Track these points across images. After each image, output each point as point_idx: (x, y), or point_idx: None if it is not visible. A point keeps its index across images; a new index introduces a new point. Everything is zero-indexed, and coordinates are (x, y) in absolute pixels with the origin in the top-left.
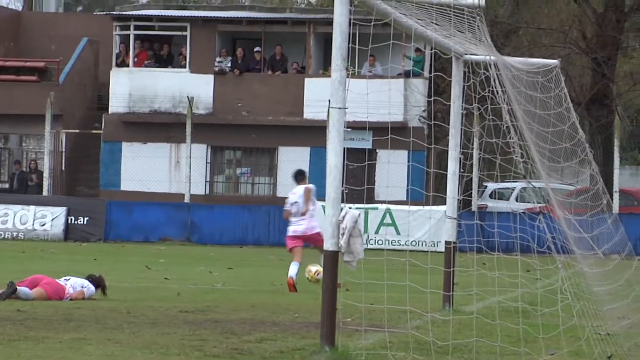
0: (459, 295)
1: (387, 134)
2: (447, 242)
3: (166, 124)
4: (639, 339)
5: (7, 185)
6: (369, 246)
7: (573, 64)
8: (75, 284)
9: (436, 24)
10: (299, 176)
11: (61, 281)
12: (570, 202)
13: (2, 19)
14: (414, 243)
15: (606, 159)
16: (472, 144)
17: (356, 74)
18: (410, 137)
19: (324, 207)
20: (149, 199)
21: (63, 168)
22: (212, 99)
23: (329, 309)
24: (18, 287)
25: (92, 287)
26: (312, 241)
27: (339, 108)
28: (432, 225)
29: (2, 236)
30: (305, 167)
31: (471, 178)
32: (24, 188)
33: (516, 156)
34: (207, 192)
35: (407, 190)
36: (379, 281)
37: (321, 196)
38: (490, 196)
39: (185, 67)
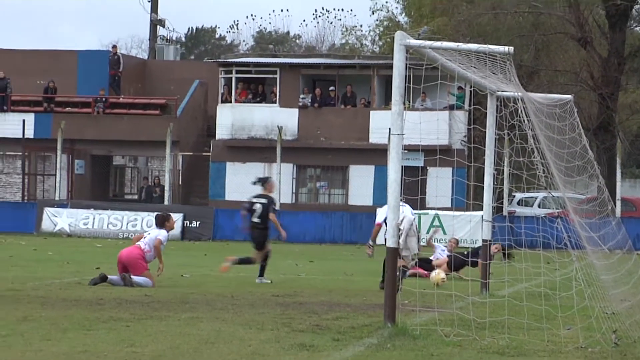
0: (494, 282)
1: (436, 154)
2: (484, 240)
3: (261, 147)
4: (638, 317)
5: (136, 197)
6: (422, 243)
7: (583, 99)
8: (149, 240)
9: (474, 67)
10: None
11: (140, 244)
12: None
13: (133, 66)
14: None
15: (610, 174)
16: (504, 162)
17: (411, 107)
18: (455, 157)
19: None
20: None
21: (180, 183)
22: (297, 127)
23: (391, 293)
24: (109, 277)
25: (162, 232)
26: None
27: (398, 134)
28: (471, 227)
29: (133, 237)
30: (371, 182)
31: (502, 189)
32: (149, 199)
33: (539, 172)
34: (294, 201)
35: (452, 199)
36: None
37: (384, 202)
38: (518, 203)
39: (275, 103)
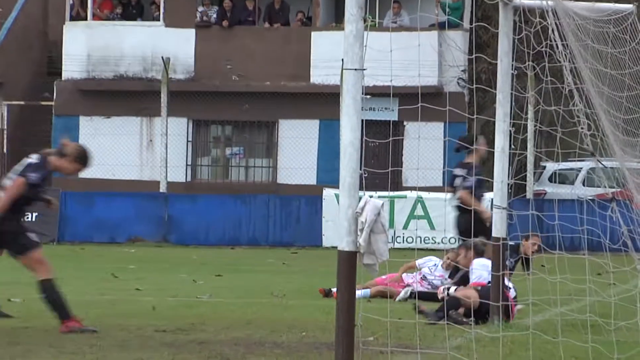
0: (512, 305)
1: (417, 102)
2: (494, 239)
3: (135, 92)
4: None
5: None
6: (396, 245)
7: None
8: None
9: None
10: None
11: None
12: None
13: None
14: (452, 240)
15: None
16: (526, 114)
17: (377, 25)
18: (447, 105)
19: (337, 196)
20: (115, 189)
21: (4, 150)
22: (193, 59)
23: (345, 326)
24: None
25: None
26: None
27: (355, 69)
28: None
29: None
30: (314, 147)
31: (525, 157)
32: None
33: (582, 128)
34: (189, 178)
35: (444, 173)
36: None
37: (333, 182)
38: (550, 180)
39: (158, 20)
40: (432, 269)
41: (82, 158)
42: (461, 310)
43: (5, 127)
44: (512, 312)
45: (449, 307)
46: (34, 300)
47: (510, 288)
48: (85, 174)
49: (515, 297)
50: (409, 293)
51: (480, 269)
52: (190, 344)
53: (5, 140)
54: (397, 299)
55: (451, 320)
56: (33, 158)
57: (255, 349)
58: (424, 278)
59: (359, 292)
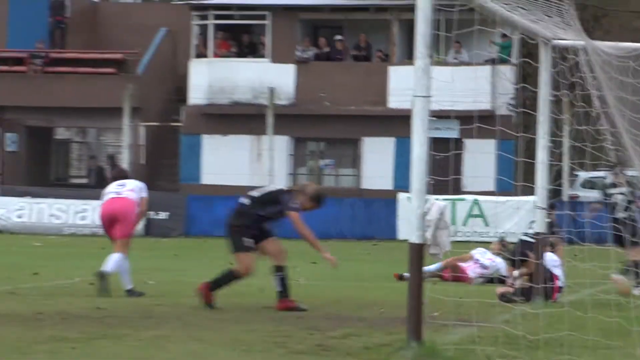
0: (550, 287)
1: (474, 122)
2: (536, 234)
3: (247, 115)
4: None
5: (86, 180)
6: (457, 238)
7: None
8: (137, 188)
9: (523, 8)
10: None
11: (127, 195)
12: None
13: (79, 11)
14: (502, 235)
15: None
16: (562, 132)
17: (441, 61)
18: (498, 125)
19: (409, 199)
20: (230, 193)
21: (142, 162)
22: (294, 89)
23: (415, 303)
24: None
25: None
26: None
27: (423, 96)
28: (520, 217)
29: (82, 232)
30: (390, 159)
31: (561, 167)
32: (101, 183)
33: (607, 144)
34: (290, 184)
35: (495, 180)
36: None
37: (406, 187)
38: (582, 186)
39: (265, 57)
40: (483, 254)
41: (319, 199)
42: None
43: (143, 143)
44: (553, 296)
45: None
46: (165, 282)
47: (559, 278)
48: (206, 180)
49: (561, 288)
50: (480, 281)
51: (553, 263)
52: (290, 318)
53: (142, 156)
54: (472, 284)
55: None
56: (284, 192)
57: (343, 322)
58: (476, 261)
59: (431, 266)
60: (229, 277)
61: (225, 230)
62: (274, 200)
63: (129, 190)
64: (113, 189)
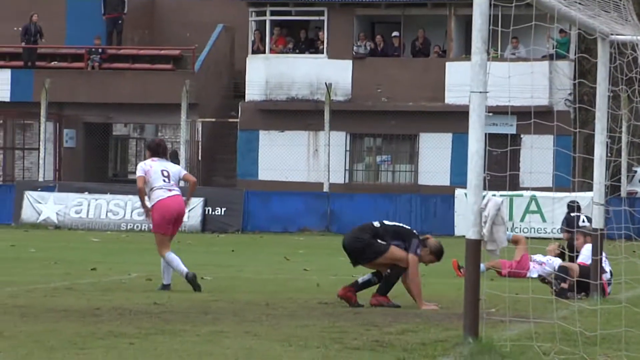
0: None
1: (531, 118)
2: (594, 230)
3: (304, 111)
4: None
5: None
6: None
7: None
8: (173, 175)
9: (580, 3)
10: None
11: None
12: None
13: (136, 7)
14: (560, 230)
15: None
16: (620, 127)
17: (498, 56)
18: (555, 121)
19: (466, 195)
20: (287, 189)
21: (199, 158)
22: (350, 85)
23: (472, 299)
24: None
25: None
26: None
27: (480, 92)
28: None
29: (139, 228)
30: (448, 155)
31: (619, 162)
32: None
33: None
34: (347, 180)
35: (553, 176)
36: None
37: (463, 183)
38: None
39: (323, 53)
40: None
41: (438, 253)
42: (565, 285)
43: (200, 139)
44: (605, 290)
45: (559, 273)
46: (222, 278)
47: (606, 271)
48: (263, 176)
49: (609, 280)
50: (536, 274)
51: (587, 253)
52: (347, 314)
53: (200, 151)
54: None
55: (560, 295)
56: (415, 240)
57: (400, 318)
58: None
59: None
60: (396, 276)
61: (351, 244)
62: (403, 237)
63: (176, 185)
64: (160, 181)
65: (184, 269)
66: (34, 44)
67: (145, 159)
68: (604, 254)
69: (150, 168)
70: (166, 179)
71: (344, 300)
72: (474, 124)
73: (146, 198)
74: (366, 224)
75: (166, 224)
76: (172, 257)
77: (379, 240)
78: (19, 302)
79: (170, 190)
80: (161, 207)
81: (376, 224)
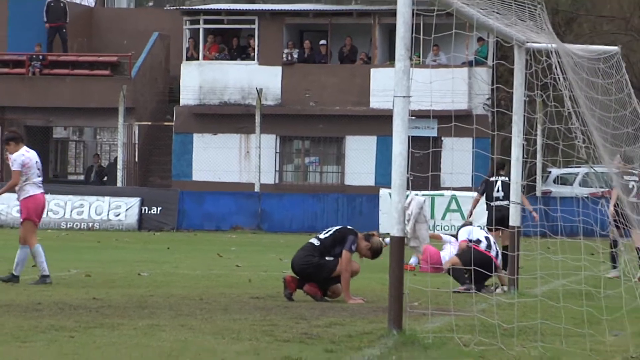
0: (524, 278)
1: (452, 121)
2: (511, 227)
3: (236, 115)
4: None
5: (82, 177)
6: (436, 232)
7: (634, 51)
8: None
9: (498, 12)
10: None
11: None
12: (632, 185)
13: (75, 15)
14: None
15: None
16: (535, 130)
17: (420, 63)
18: (474, 124)
19: (390, 194)
20: (220, 189)
21: (136, 160)
22: (280, 90)
23: (396, 294)
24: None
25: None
26: None
27: (403, 97)
28: None
29: (78, 226)
30: (372, 156)
31: (535, 164)
32: (99, 182)
33: (578, 141)
34: (277, 181)
35: (472, 176)
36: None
37: (387, 183)
38: (554, 181)
39: (254, 60)
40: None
41: (375, 253)
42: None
43: (137, 142)
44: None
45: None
46: (158, 274)
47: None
48: (197, 177)
49: (496, 255)
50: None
51: (462, 233)
52: (277, 308)
53: (136, 152)
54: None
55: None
56: (350, 237)
57: (327, 312)
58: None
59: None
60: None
61: (304, 270)
62: (341, 241)
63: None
64: (36, 177)
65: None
66: None
67: (12, 150)
68: (491, 239)
69: (30, 161)
70: (40, 173)
71: (309, 296)
72: (398, 127)
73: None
74: (307, 246)
75: (38, 217)
76: (41, 250)
77: (326, 258)
78: None
79: (41, 186)
80: (37, 200)
81: (315, 242)
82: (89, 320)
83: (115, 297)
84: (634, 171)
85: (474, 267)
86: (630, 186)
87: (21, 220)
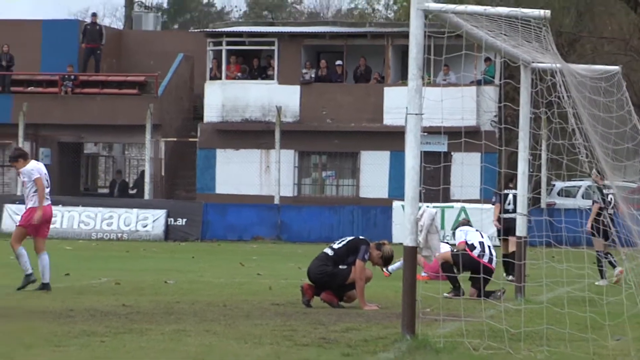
0: (530, 286)
1: (461, 137)
2: (518, 237)
3: (257, 131)
4: None
5: (107, 191)
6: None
7: (634, 70)
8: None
9: (505, 34)
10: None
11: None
12: (633, 198)
13: (106, 38)
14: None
15: None
16: (540, 146)
17: (432, 82)
18: (483, 140)
19: (403, 206)
20: (242, 201)
21: (163, 174)
22: (298, 108)
23: (409, 300)
24: None
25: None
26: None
27: (416, 114)
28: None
29: (108, 237)
30: (386, 170)
31: (540, 177)
32: (121, 195)
33: (581, 156)
34: (295, 194)
35: (481, 189)
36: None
37: (400, 196)
38: (558, 194)
39: (273, 79)
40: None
41: (387, 260)
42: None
43: (163, 157)
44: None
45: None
46: (184, 282)
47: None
48: (220, 190)
49: (489, 260)
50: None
51: (459, 234)
52: (297, 314)
53: (163, 167)
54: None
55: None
56: (362, 246)
57: (344, 317)
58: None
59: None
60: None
61: (320, 279)
62: (354, 250)
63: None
64: (46, 189)
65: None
66: (7, 70)
67: (22, 165)
68: (486, 245)
69: (45, 174)
70: (48, 184)
71: (326, 303)
72: (411, 143)
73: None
74: (322, 255)
75: (37, 225)
76: (24, 252)
77: (340, 267)
78: None
79: (48, 198)
80: (43, 211)
81: (329, 252)
82: (118, 326)
83: (143, 304)
84: (609, 184)
85: (464, 271)
86: (609, 199)
87: (17, 224)
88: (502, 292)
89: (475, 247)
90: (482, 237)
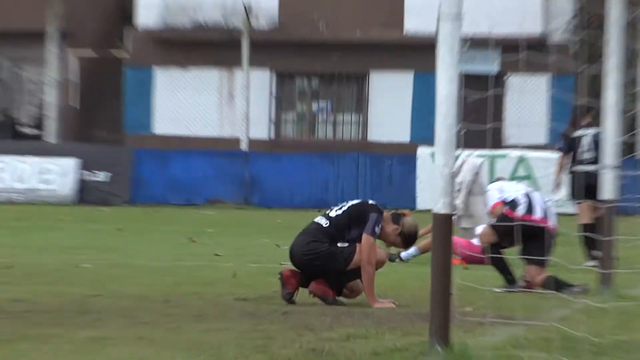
0: (621, 274)
1: (520, 52)
2: (604, 202)
3: (215, 42)
4: None
5: None
6: None
7: None
8: None
9: None
10: None
11: None
12: None
13: None
14: (558, 203)
15: None
16: (638, 65)
17: None
18: (552, 56)
19: (433, 155)
20: (193, 147)
21: (74, 105)
22: (277, 7)
23: (441, 295)
24: None
25: None
26: None
27: (453, 16)
28: None
29: None
30: (408, 101)
31: (634, 113)
32: (17, 136)
33: None
34: (272, 136)
35: (549, 130)
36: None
37: (428, 140)
38: None
39: None
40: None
41: (410, 239)
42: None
43: (76, 79)
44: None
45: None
46: (105, 266)
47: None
48: (160, 130)
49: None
50: None
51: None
52: (273, 314)
53: (75, 95)
54: None
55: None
56: (372, 214)
57: (343, 319)
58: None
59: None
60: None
61: (308, 263)
62: (361, 219)
63: None
64: None
65: None
66: None
67: None
68: (534, 197)
69: None
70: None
71: (317, 298)
72: (445, 60)
73: None
74: (313, 227)
75: None
76: None
77: (338, 244)
78: None
79: None
80: None
81: (323, 222)
82: (10, 332)
83: (46, 298)
84: None
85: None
86: None
87: None
88: (583, 288)
89: (518, 204)
90: (525, 186)
